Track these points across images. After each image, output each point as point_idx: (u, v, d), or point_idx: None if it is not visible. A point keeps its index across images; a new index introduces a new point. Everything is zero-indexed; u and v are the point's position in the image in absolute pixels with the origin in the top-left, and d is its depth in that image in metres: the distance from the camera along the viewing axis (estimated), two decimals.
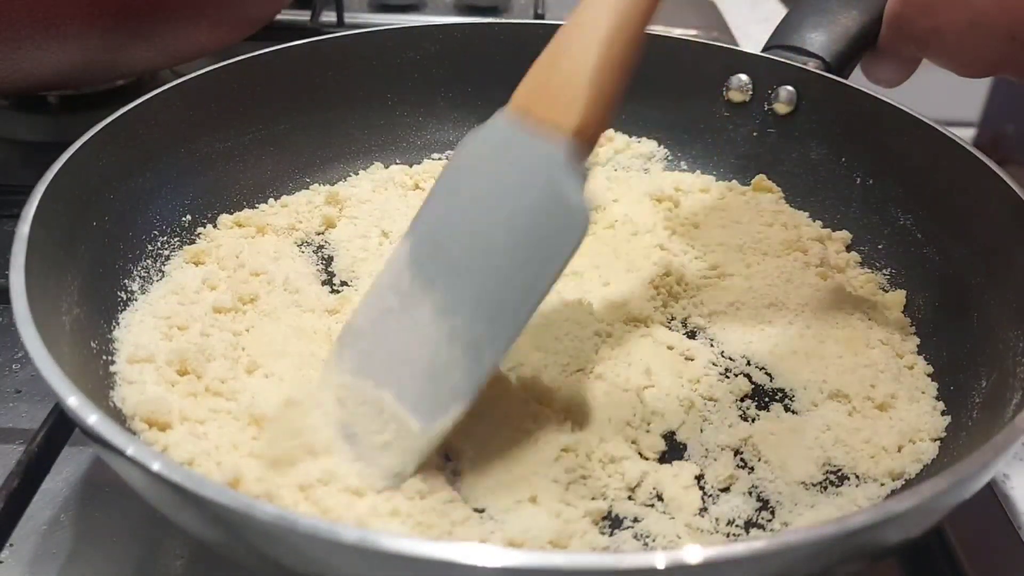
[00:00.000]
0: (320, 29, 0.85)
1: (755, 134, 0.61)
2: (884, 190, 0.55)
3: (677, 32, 0.84)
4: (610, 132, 0.63)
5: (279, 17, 0.73)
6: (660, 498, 0.39)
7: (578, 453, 0.40)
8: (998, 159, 0.48)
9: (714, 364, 0.47)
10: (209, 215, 0.54)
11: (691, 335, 0.49)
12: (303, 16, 0.86)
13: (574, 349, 0.46)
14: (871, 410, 0.44)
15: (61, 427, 0.40)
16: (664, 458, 0.41)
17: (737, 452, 0.42)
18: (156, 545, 0.39)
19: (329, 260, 0.53)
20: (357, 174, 0.61)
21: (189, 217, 0.52)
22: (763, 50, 0.61)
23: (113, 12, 0.55)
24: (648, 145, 0.64)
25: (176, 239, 0.51)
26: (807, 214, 0.58)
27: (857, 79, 0.58)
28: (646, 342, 0.48)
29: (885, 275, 0.53)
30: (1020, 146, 1.37)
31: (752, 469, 0.41)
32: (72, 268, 0.42)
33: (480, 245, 0.38)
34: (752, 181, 0.60)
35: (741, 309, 0.50)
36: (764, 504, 0.40)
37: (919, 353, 0.48)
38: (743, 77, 0.61)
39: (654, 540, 0.37)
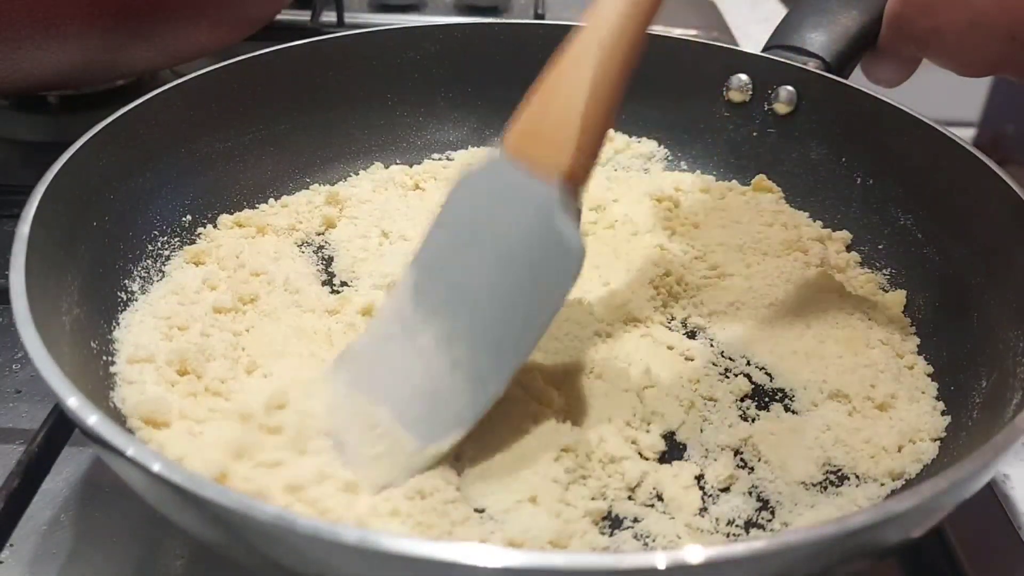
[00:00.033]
0: (320, 29, 0.85)
1: (755, 134, 0.61)
2: (884, 190, 0.55)
3: (677, 32, 0.84)
4: (610, 132, 0.63)
5: (279, 17, 0.73)
6: (660, 498, 0.39)
7: (578, 453, 0.40)
8: (998, 159, 0.48)
9: (714, 364, 0.47)
10: (209, 215, 0.54)
11: (691, 335, 0.49)
12: (303, 16, 0.86)
13: (574, 349, 0.46)
14: (871, 410, 0.44)
15: (61, 427, 0.40)
16: (664, 458, 0.41)
17: (737, 452, 0.42)
18: (156, 545, 0.39)
19: (329, 260, 0.53)
20: (357, 174, 0.61)
21: (189, 217, 0.52)
22: (763, 50, 0.61)
23: (113, 12, 0.55)
24: (648, 145, 0.64)
25: (176, 239, 0.51)
26: (807, 214, 0.58)
27: (857, 79, 0.58)
28: (646, 342, 0.48)
29: (885, 275, 0.53)
30: (1020, 146, 1.37)
31: (752, 469, 0.41)
32: (72, 268, 0.42)
33: (480, 280, 0.39)
34: (752, 181, 0.60)
35: (741, 309, 0.50)
36: (764, 504, 0.40)
37: (919, 353, 0.48)
38: (743, 77, 0.61)
39: (654, 540, 0.37)
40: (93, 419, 0.31)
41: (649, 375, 0.45)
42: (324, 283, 0.52)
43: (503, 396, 0.41)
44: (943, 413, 0.44)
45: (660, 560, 0.27)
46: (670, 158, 0.63)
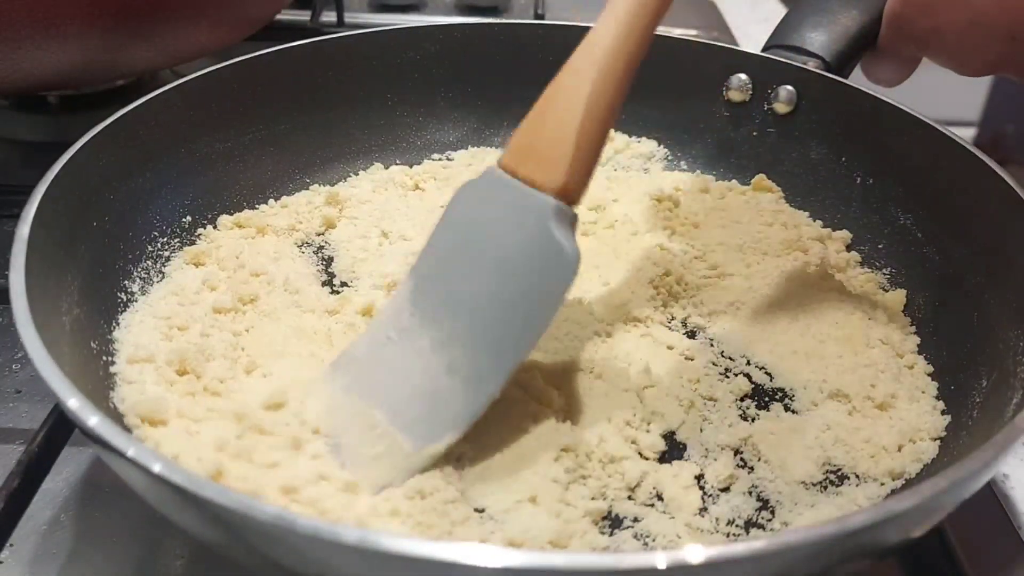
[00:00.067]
0: (320, 29, 0.85)
1: (755, 134, 0.61)
2: (884, 190, 0.55)
3: (677, 32, 0.84)
4: (610, 132, 0.63)
5: (279, 17, 0.73)
6: (660, 498, 0.39)
7: (578, 453, 0.40)
8: (998, 159, 0.48)
9: (714, 364, 0.47)
10: (209, 216, 0.54)
11: (691, 335, 0.49)
12: (303, 16, 0.86)
13: (574, 349, 0.46)
14: (871, 410, 0.44)
15: (61, 427, 0.40)
16: (664, 458, 0.41)
17: (737, 452, 0.42)
18: (156, 545, 0.39)
19: (329, 260, 0.53)
20: (357, 174, 0.61)
21: (189, 218, 0.52)
22: (763, 50, 0.61)
23: (113, 12, 0.55)
24: (648, 145, 0.64)
25: (176, 240, 0.51)
26: (807, 214, 0.58)
27: (857, 79, 0.58)
28: (646, 342, 0.48)
29: (885, 275, 0.53)
30: (1020, 146, 1.37)
31: (752, 469, 0.41)
32: (72, 268, 0.42)
33: (476, 285, 0.39)
34: (752, 181, 0.60)
35: (741, 309, 0.50)
36: (764, 504, 0.40)
37: (919, 353, 0.48)
38: (743, 77, 0.61)
39: (654, 540, 0.37)
40: (93, 420, 0.31)
41: (649, 375, 0.45)
42: (324, 283, 0.52)
43: (503, 396, 0.41)
44: (943, 413, 0.44)
45: (660, 560, 0.27)
46: (670, 158, 0.63)
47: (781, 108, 0.60)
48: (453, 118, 0.64)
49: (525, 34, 0.62)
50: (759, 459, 0.42)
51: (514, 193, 0.39)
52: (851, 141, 0.57)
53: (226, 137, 0.55)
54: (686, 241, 0.55)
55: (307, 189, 0.59)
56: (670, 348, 0.47)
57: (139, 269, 0.48)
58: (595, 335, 0.47)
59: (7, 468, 0.38)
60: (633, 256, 0.53)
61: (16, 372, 0.48)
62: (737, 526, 0.39)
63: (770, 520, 0.39)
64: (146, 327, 0.45)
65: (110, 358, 0.42)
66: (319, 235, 0.55)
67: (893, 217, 0.54)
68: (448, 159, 0.63)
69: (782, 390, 0.46)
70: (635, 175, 0.62)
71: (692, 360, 0.47)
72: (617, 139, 0.64)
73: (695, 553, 0.27)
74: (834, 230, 0.56)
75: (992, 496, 0.45)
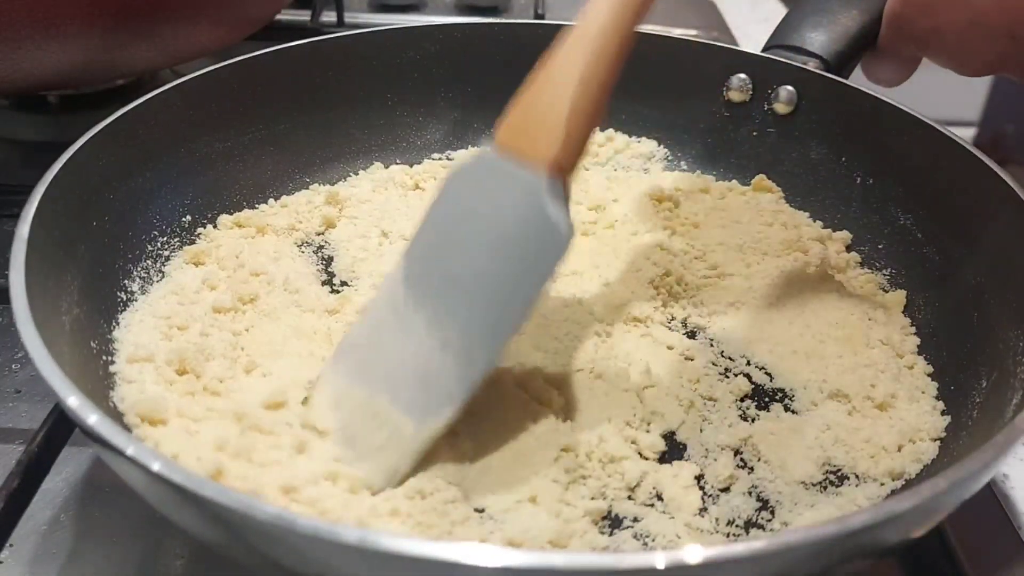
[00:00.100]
0: (320, 29, 0.85)
1: (755, 134, 0.61)
2: (884, 190, 0.55)
3: (677, 32, 0.84)
4: (610, 132, 0.64)
5: (279, 17, 0.73)
6: (660, 498, 0.39)
7: (578, 453, 0.40)
8: (998, 159, 0.48)
9: (714, 364, 0.47)
10: (209, 215, 0.54)
11: (691, 335, 0.49)
12: (303, 16, 0.86)
13: (574, 349, 0.46)
14: (871, 410, 0.44)
15: (61, 427, 0.40)
16: (664, 458, 0.41)
17: (737, 452, 0.42)
18: (156, 545, 0.39)
19: (329, 260, 0.53)
20: (357, 174, 0.61)
21: (189, 217, 0.52)
22: (763, 50, 0.61)
23: (113, 12, 0.55)
24: (648, 145, 0.64)
25: (176, 239, 0.51)
26: (807, 214, 0.58)
27: (857, 79, 0.58)
28: (646, 342, 0.48)
29: (885, 275, 0.53)
30: (1020, 146, 1.37)
31: (752, 469, 0.41)
32: (72, 268, 0.42)
33: (470, 262, 0.39)
34: (752, 181, 0.60)
35: (741, 309, 0.50)
36: (764, 504, 0.40)
37: (919, 353, 0.48)
38: (743, 77, 0.61)
39: (654, 540, 0.37)
40: (93, 419, 0.31)
41: (649, 375, 0.45)
42: (324, 283, 0.52)
43: (503, 396, 0.41)
44: (943, 413, 0.44)
45: (660, 560, 0.27)
46: (670, 158, 0.63)
47: (781, 108, 0.60)
48: (453, 118, 0.64)
49: (525, 34, 0.62)
50: (759, 459, 0.42)
51: (506, 170, 0.39)
52: (851, 141, 0.57)
53: (226, 137, 0.55)
54: (686, 241, 0.55)
55: (307, 189, 0.59)
56: (670, 348, 0.47)
57: (139, 268, 0.48)
58: (595, 335, 0.47)
59: (7, 468, 0.38)
60: (633, 256, 0.53)
61: (16, 372, 0.48)
62: (737, 526, 0.39)
63: (770, 520, 0.39)
64: (146, 326, 0.45)
65: (110, 357, 0.42)
66: (319, 235, 0.55)
67: (893, 217, 0.54)
68: (448, 159, 0.63)
69: (782, 390, 0.46)
70: (635, 175, 0.62)
71: (692, 360, 0.47)
72: (617, 139, 0.63)
73: (694, 553, 0.27)
74: (834, 230, 0.56)
75: (992, 496, 0.45)
